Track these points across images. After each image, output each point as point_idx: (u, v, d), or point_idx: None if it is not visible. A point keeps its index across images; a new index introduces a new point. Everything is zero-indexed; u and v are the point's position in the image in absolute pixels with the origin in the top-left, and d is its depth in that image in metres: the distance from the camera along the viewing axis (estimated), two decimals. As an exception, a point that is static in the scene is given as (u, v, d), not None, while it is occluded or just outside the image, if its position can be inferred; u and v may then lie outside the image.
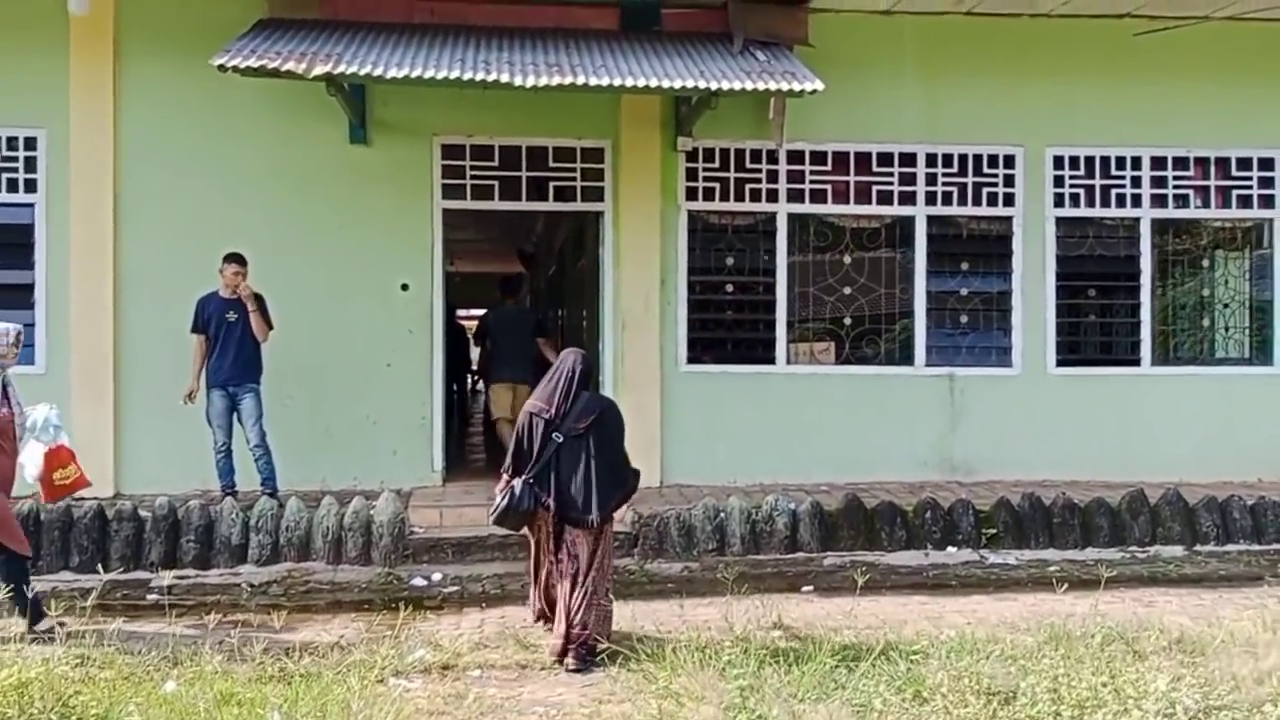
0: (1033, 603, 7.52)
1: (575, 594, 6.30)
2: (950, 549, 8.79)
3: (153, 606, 7.68)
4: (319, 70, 8.17)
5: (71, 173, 9.53)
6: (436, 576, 8.21)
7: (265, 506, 8.51)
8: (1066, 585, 7.30)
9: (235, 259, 8.95)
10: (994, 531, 8.88)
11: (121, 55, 9.59)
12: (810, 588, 7.95)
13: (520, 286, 12.53)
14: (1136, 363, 10.58)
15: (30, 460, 7.29)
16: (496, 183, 10.04)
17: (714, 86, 8.44)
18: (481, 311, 13.03)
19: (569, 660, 6.23)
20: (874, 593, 7.66)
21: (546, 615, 6.71)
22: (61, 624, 6.63)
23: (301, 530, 8.46)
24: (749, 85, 8.47)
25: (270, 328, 9.06)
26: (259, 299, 9.00)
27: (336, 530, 8.47)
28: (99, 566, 7.92)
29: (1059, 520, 8.97)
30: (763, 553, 8.71)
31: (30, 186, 9.57)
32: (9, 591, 6.53)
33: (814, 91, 8.49)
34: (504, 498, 6.36)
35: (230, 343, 8.96)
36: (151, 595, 7.88)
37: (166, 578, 7.93)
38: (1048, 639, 6.26)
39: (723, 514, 8.77)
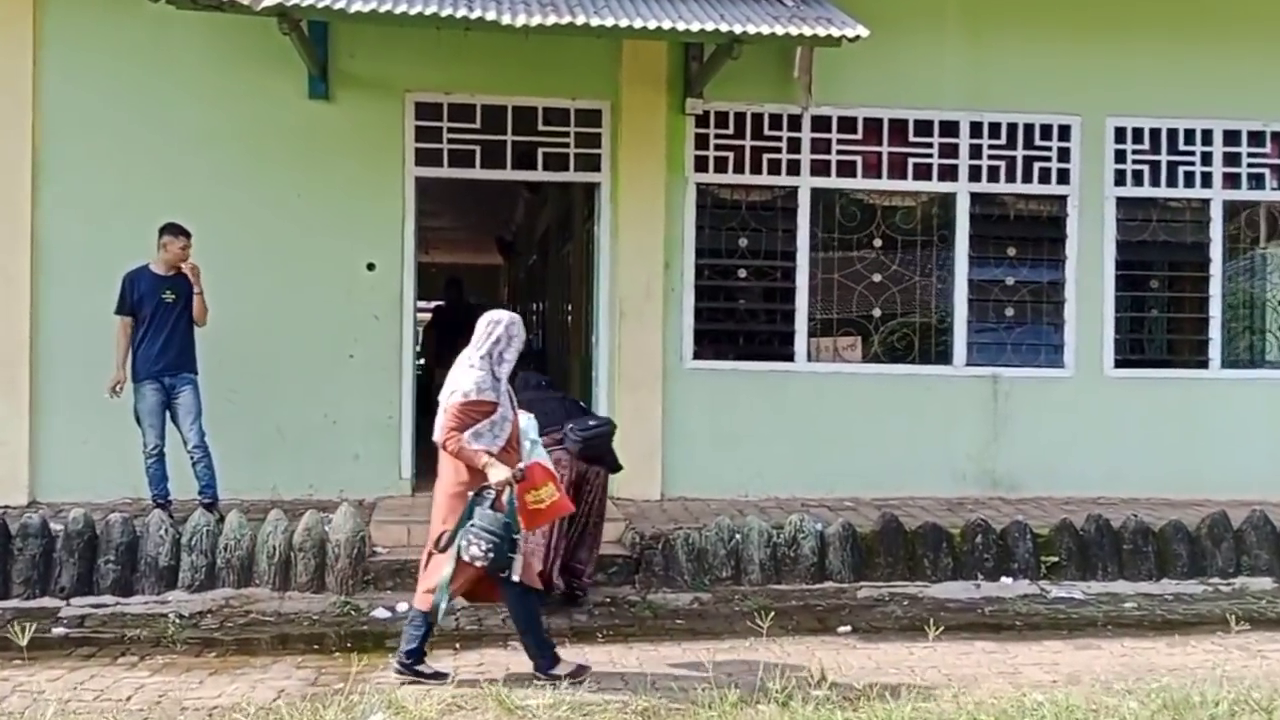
0: (1120, 652, 6.26)
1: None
2: (1005, 579, 7.54)
3: (60, 641, 6.36)
4: (269, 2, 6.83)
5: (-18, 128, 8.18)
6: (402, 607, 6.86)
7: (200, 522, 7.18)
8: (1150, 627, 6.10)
9: (181, 231, 7.64)
10: (1055, 559, 7.64)
11: (43, -9, 8.25)
12: (848, 627, 6.66)
13: (463, 285, 13.90)
14: (1204, 364, 9.37)
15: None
16: (478, 148, 8.72)
17: (737, 30, 7.14)
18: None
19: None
20: (925, 633, 6.40)
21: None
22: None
23: (243, 550, 7.14)
24: (779, 30, 7.19)
25: (207, 311, 7.75)
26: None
27: (284, 550, 7.16)
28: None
29: (1129, 547, 7.73)
30: (785, 581, 7.44)
31: (-66, 144, 8.21)
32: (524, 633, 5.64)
33: (856, 38, 7.22)
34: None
35: (166, 327, 7.62)
36: (59, 628, 6.56)
37: (78, 607, 6.75)
38: (1162, 707, 5.02)
39: (739, 535, 7.50)
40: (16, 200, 8.17)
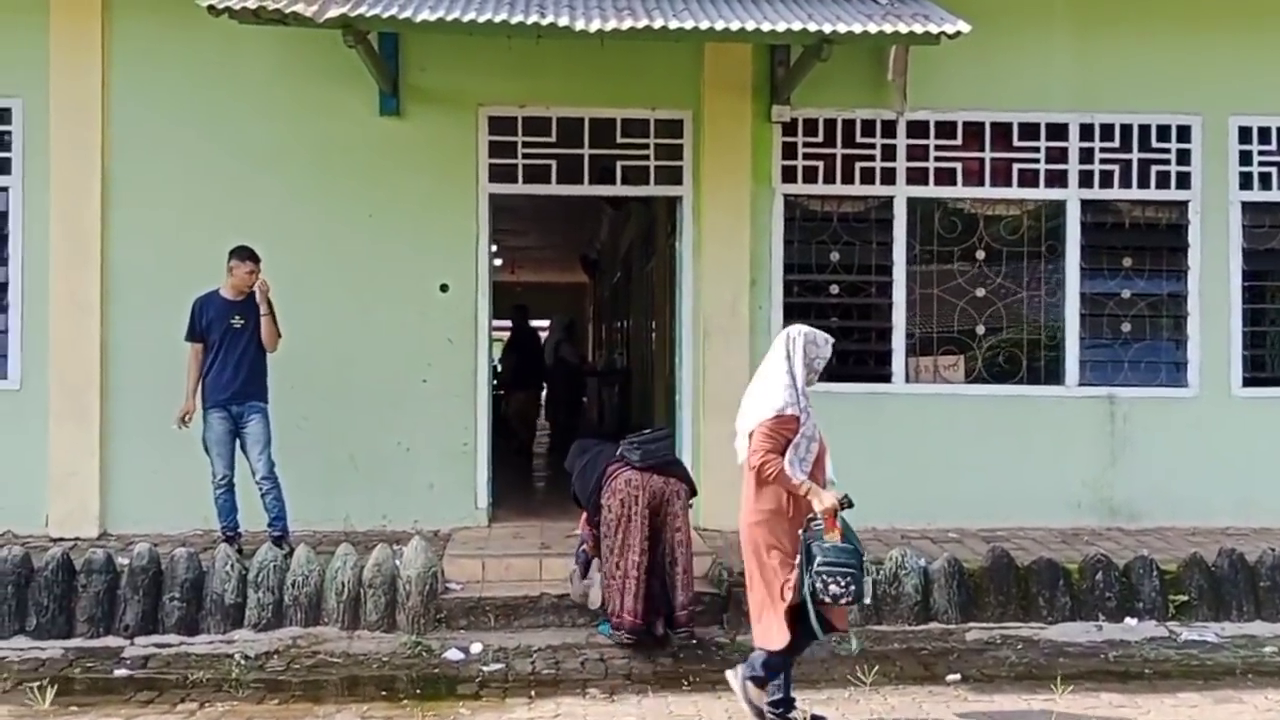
0: (1265, 706, 5.61)
1: None
2: (1129, 620, 6.91)
3: (123, 683, 6.09)
4: (333, 13, 6.56)
5: (52, 151, 8.00)
6: (476, 648, 6.53)
7: (267, 557, 6.87)
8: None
9: (250, 255, 7.38)
10: (1184, 598, 6.99)
11: (111, 11, 8.05)
12: (957, 675, 6.08)
13: (527, 310, 14.16)
14: (1342, 382, 8.59)
15: None
16: (554, 163, 8.34)
17: (827, 29, 6.65)
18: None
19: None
20: (1043, 682, 5.83)
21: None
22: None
23: (311, 587, 6.82)
24: (873, 28, 6.69)
25: (279, 335, 7.47)
26: (270, 302, 7.43)
27: (354, 587, 6.83)
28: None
29: (1267, 584, 7.04)
30: (886, 622, 6.90)
31: (4, 167, 8.06)
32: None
33: (956, 35, 6.70)
34: None
35: (235, 353, 7.36)
36: (122, 669, 6.30)
37: (142, 646, 6.54)
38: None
39: (835, 571, 6.96)
40: (86, 223, 8.00)
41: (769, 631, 5.13)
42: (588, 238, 19.21)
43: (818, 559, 4.94)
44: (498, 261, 21.22)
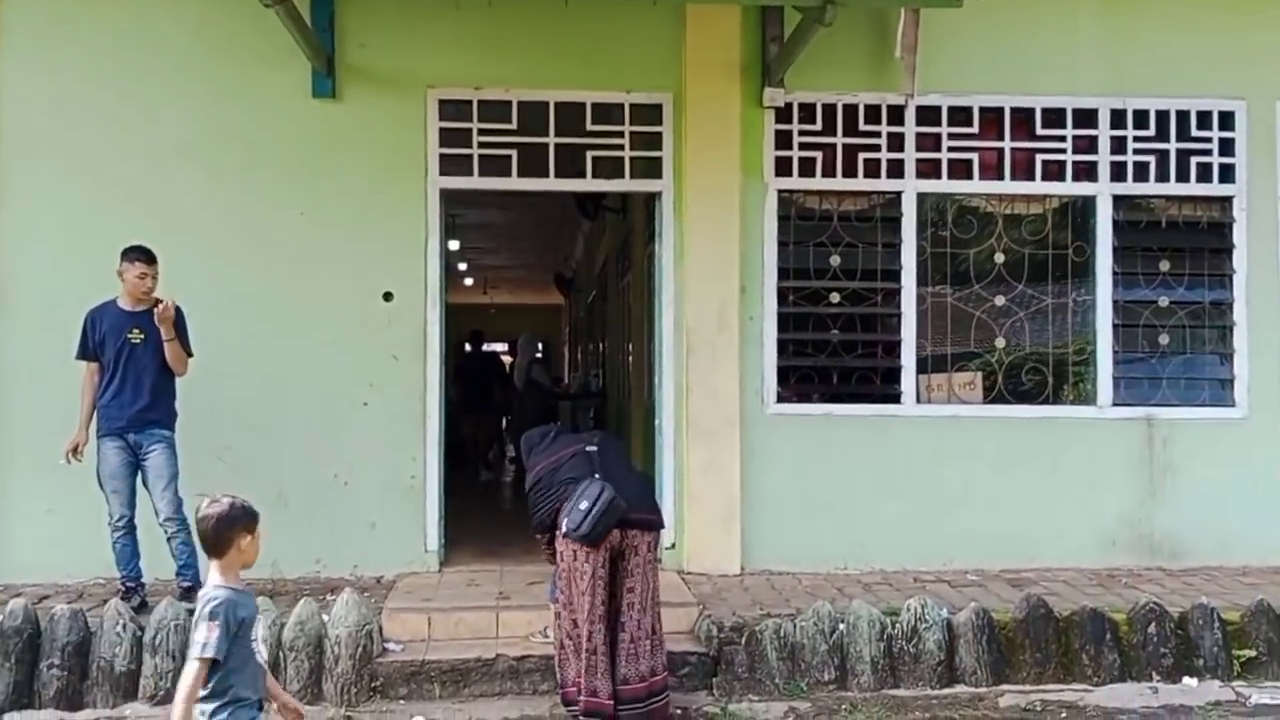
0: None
1: None
2: (1188, 680, 5.89)
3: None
4: (242, -36, 5.51)
5: (-67, 144, 6.95)
6: (418, 723, 5.46)
7: (166, 615, 5.76)
8: None
9: (142, 255, 6.28)
10: (1250, 654, 5.98)
11: (2, -20, 7.04)
12: (995, 755, 5.06)
13: (484, 338, 14.80)
14: None
15: None
16: (514, 153, 7.30)
17: (832, -13, 5.66)
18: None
19: None
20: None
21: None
22: None
23: (219, 650, 5.71)
24: (884, -15, 5.70)
25: (190, 355, 6.38)
26: (180, 315, 6.32)
27: (271, 649, 5.71)
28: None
29: (1345, 635, 6.04)
30: (905, 685, 5.85)
31: (-126, 163, 7.00)
32: None
33: (980, -7, 5.72)
34: None
35: (134, 372, 6.26)
36: (-13, 753, 5.20)
37: (13, 723, 5.45)
38: None
39: (843, 625, 5.92)
40: (-30, 227, 6.93)
41: None
42: (562, 255, 18.31)
43: None
44: (469, 281, 20.39)
